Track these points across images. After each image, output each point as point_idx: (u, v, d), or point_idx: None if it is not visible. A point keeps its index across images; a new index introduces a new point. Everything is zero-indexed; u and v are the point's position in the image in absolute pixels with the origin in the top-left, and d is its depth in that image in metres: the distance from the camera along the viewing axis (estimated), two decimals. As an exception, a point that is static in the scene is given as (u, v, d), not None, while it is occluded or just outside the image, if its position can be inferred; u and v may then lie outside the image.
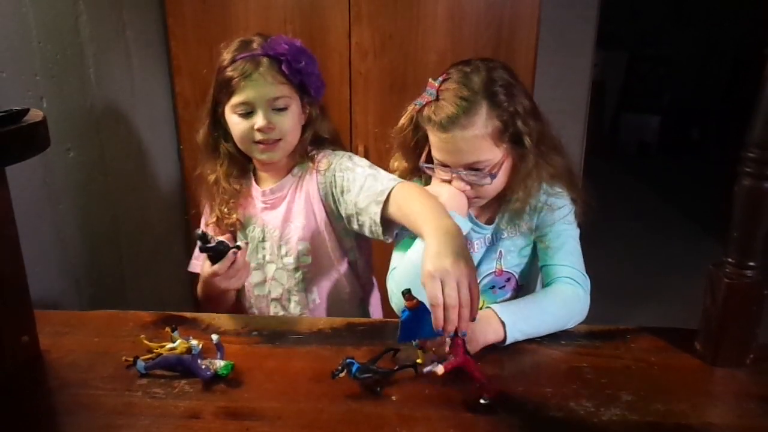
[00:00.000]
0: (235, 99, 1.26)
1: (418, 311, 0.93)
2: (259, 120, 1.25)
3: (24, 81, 1.48)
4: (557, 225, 1.23)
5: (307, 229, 1.35)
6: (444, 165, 1.19)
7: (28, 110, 0.96)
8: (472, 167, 1.16)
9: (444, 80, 1.16)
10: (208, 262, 1.19)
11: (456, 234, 0.96)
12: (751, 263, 0.98)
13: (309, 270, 1.38)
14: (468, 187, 1.18)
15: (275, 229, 1.38)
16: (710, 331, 1.04)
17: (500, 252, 1.29)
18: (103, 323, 1.19)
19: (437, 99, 1.14)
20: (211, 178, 1.38)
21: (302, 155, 1.35)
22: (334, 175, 1.29)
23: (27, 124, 0.94)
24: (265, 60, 1.24)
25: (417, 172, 1.30)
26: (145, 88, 2.04)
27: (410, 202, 1.10)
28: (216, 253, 1.16)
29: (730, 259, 1.00)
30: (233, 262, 1.18)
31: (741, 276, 0.99)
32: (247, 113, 1.26)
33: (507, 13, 2.00)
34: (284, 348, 1.10)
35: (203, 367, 0.98)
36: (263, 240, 1.39)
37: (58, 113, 1.60)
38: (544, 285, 1.22)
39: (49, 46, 1.56)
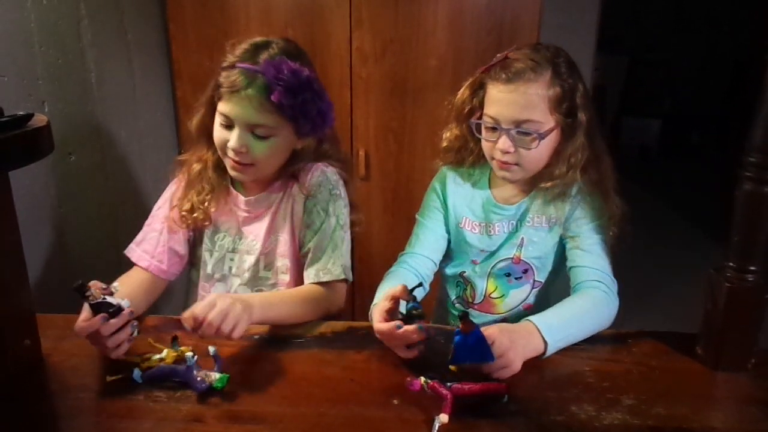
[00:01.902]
0: (220, 107, 1.20)
1: (471, 335, 0.94)
2: (233, 140, 1.18)
3: (26, 85, 1.48)
4: (589, 227, 1.23)
5: (288, 245, 1.31)
6: (494, 127, 1.20)
7: (32, 115, 0.96)
8: (521, 127, 1.17)
9: (513, 49, 1.21)
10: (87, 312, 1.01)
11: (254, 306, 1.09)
12: (752, 267, 0.98)
13: (287, 288, 1.32)
14: (512, 149, 1.18)
15: (256, 241, 1.31)
16: (711, 335, 1.04)
17: (522, 239, 1.28)
18: (104, 327, 1.18)
19: (506, 58, 1.19)
20: (197, 167, 1.31)
21: (289, 173, 1.30)
22: (314, 209, 1.27)
23: (31, 129, 0.94)
24: (260, 80, 1.14)
25: (461, 147, 1.32)
26: (146, 92, 2.04)
27: (305, 299, 1.22)
28: (100, 308, 1.00)
29: (731, 263, 1.00)
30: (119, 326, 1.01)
31: (742, 280, 0.99)
32: (227, 126, 1.20)
33: (508, 18, 2.00)
34: (286, 352, 1.10)
35: (198, 379, 0.96)
36: (232, 251, 1.34)
37: (60, 117, 1.61)
38: (572, 287, 1.21)
39: (50, 51, 1.56)
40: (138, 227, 1.38)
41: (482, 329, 0.97)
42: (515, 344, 1.00)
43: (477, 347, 0.94)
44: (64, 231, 1.66)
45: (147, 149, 2.06)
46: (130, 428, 0.90)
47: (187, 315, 1.01)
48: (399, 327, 1.00)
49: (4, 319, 1.00)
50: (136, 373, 0.99)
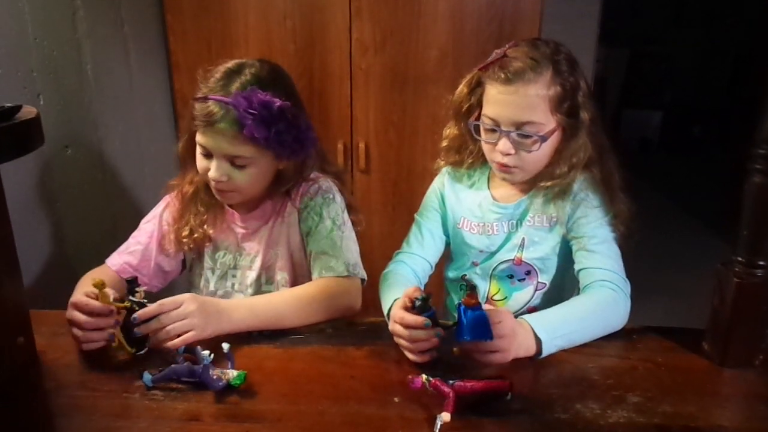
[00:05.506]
0: (198, 137, 1.19)
1: (474, 310, 0.93)
2: (213, 170, 1.18)
3: (21, 77, 1.46)
4: (594, 226, 1.19)
5: (287, 258, 1.31)
6: (493, 129, 1.17)
7: (20, 107, 0.94)
8: (522, 129, 1.14)
9: (512, 46, 1.18)
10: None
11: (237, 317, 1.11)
12: (761, 262, 0.96)
13: None
14: (512, 151, 1.16)
15: (257, 256, 1.32)
16: (719, 331, 1.02)
17: (523, 239, 1.26)
18: (100, 323, 1.17)
19: (504, 56, 1.15)
20: (189, 189, 1.31)
21: (281, 190, 1.29)
22: (309, 215, 1.28)
23: (19, 121, 0.92)
24: (232, 113, 1.12)
25: (461, 146, 1.30)
26: (143, 84, 2.02)
27: (318, 298, 1.18)
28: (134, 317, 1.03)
29: (739, 258, 0.98)
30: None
31: (750, 275, 0.97)
32: (206, 155, 1.20)
33: (509, 8, 1.98)
34: (285, 348, 1.08)
35: (215, 377, 0.94)
36: (234, 267, 1.34)
37: (56, 110, 1.59)
38: (581, 289, 1.17)
39: (45, 42, 1.54)
40: (136, 221, 1.37)
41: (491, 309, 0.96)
42: (516, 334, 0.99)
43: (479, 324, 0.93)
44: (60, 225, 1.64)
45: (144, 142, 2.04)
46: (126, 427, 0.88)
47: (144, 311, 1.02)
48: (427, 324, 0.97)
49: (-3, 316, 0.98)
50: (146, 376, 0.96)
